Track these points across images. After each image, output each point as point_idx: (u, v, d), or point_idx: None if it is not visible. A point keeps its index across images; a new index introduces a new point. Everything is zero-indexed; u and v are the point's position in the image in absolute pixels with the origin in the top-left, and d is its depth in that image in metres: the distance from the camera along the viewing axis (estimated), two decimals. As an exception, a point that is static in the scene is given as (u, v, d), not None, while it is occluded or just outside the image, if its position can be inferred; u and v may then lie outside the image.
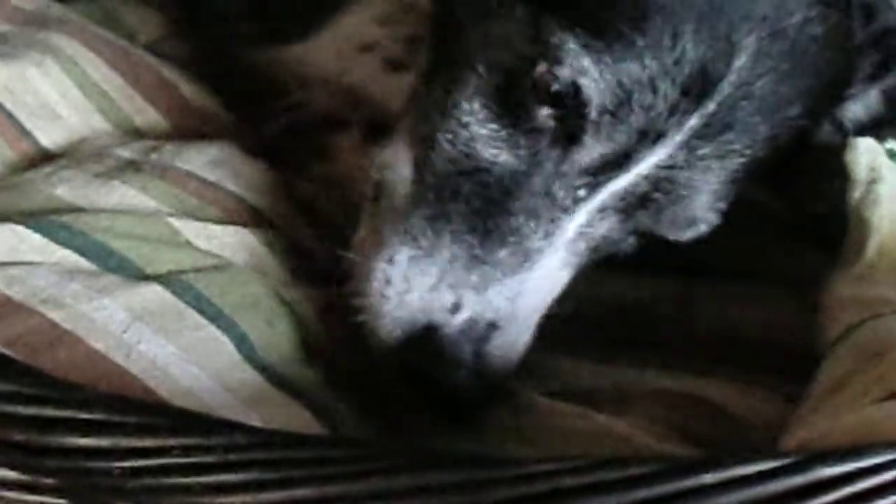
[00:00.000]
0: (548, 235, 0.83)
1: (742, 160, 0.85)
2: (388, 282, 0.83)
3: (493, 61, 0.84)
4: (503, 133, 0.84)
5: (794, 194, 1.03)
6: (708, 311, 0.99)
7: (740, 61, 0.80)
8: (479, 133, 0.84)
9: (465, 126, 0.85)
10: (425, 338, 0.81)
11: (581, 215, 0.83)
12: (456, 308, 0.81)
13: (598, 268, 0.90)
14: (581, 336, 0.93)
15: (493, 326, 0.82)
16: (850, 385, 0.74)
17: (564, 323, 0.88)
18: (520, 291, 0.83)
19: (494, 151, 0.84)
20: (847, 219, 0.89)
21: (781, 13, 0.82)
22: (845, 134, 0.94)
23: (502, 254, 0.82)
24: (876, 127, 0.94)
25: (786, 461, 0.56)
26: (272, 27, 1.11)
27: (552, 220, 0.83)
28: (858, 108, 0.96)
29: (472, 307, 0.82)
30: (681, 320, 0.99)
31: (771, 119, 0.84)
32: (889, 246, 0.87)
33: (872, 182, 0.88)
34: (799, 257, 1.01)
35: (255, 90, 1.12)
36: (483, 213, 0.83)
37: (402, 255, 0.83)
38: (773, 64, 0.82)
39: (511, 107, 0.84)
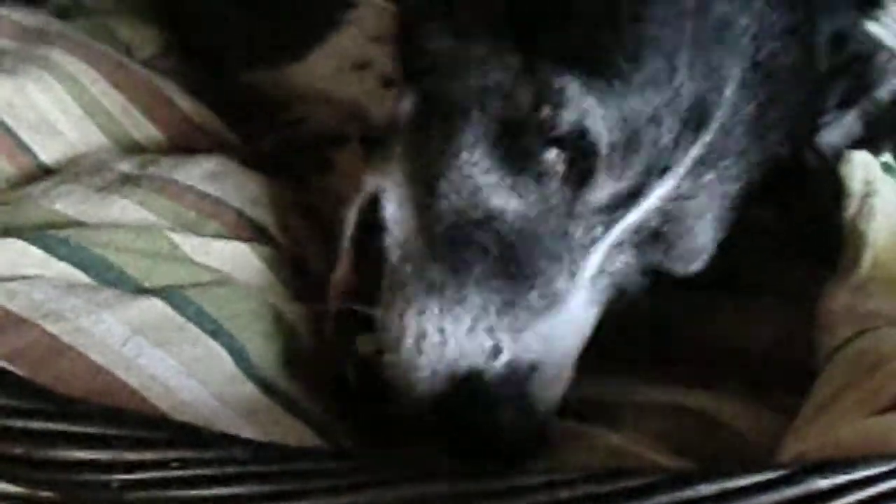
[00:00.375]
0: (572, 275, 0.83)
1: (738, 186, 0.86)
2: (422, 335, 0.80)
3: (490, 112, 0.84)
4: (509, 181, 0.83)
5: (794, 213, 1.04)
6: (706, 325, 0.99)
7: (730, 90, 0.83)
8: (485, 183, 0.84)
9: (469, 177, 0.84)
10: (468, 384, 0.80)
11: (600, 253, 0.84)
12: (496, 352, 0.80)
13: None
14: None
15: (533, 368, 0.81)
16: (845, 397, 0.75)
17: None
18: (553, 332, 0.82)
19: (503, 200, 0.83)
20: (842, 232, 0.90)
21: (756, 45, 0.84)
22: (823, 160, 0.96)
23: (532, 296, 0.81)
24: (861, 143, 0.95)
25: (781, 473, 0.57)
26: (267, 49, 1.11)
27: (574, 261, 0.83)
28: (834, 134, 0.97)
29: (512, 349, 0.80)
30: (678, 334, 0.99)
31: (760, 144, 0.86)
32: (884, 259, 0.87)
33: (867, 195, 0.89)
34: (798, 273, 1.01)
35: (253, 108, 1.12)
36: (504, 258, 0.82)
37: (432, 306, 0.81)
38: (754, 93, 0.84)
39: (515, 154, 0.83)
